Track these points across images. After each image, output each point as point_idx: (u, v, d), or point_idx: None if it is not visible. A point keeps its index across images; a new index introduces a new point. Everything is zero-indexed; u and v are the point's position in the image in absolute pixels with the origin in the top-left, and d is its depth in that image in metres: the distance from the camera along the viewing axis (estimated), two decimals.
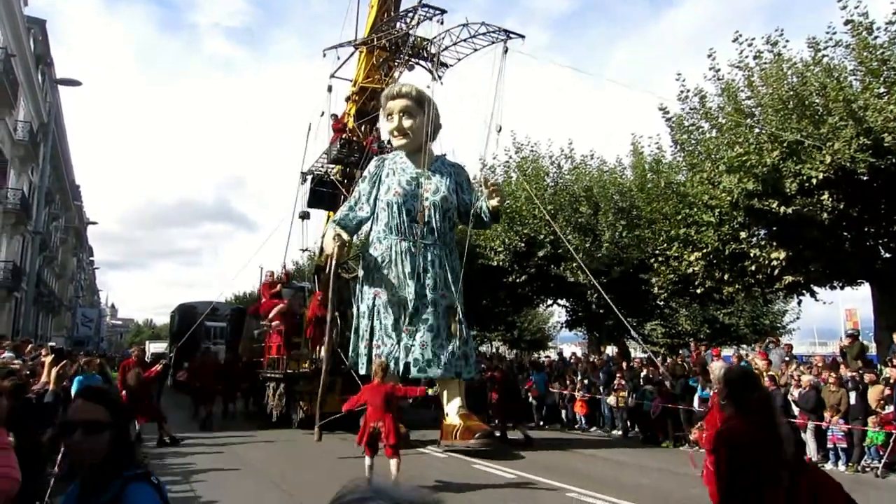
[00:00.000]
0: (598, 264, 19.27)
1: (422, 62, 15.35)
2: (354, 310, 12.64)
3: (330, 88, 16.59)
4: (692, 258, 14.67)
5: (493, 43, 13.82)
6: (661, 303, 21.28)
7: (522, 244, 19.76)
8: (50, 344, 17.13)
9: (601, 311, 20.71)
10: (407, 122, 12.56)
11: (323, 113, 16.57)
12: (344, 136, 16.22)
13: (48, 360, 9.78)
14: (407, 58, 15.04)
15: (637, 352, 31.80)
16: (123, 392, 13.14)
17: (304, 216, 17.17)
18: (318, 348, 14.03)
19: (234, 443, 12.41)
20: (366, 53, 16.06)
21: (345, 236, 11.94)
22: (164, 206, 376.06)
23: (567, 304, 24.08)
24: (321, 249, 16.36)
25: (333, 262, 11.72)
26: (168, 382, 22.07)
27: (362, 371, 11.84)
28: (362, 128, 16.67)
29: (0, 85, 21.33)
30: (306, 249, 17.82)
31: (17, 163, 27.45)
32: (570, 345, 50.95)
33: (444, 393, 11.80)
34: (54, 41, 31.47)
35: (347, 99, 16.99)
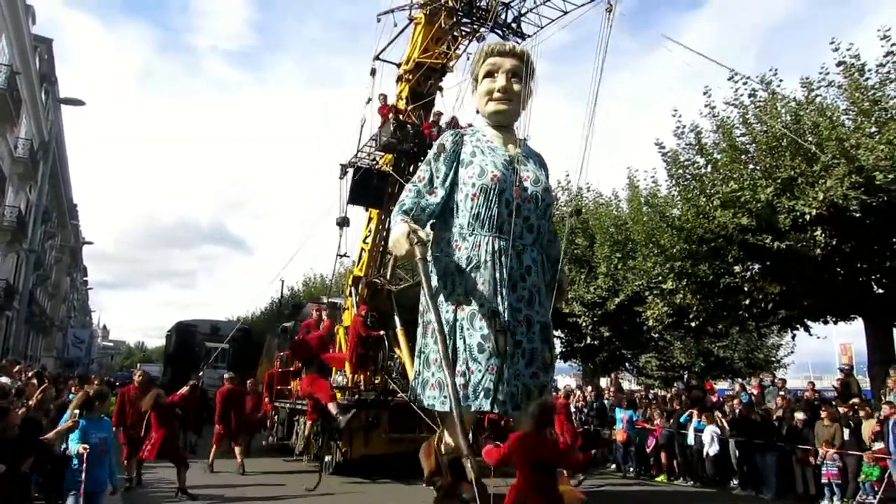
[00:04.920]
0: (594, 296, 19.35)
1: (497, 31, 13.19)
2: (420, 328, 9.06)
3: (373, 72, 14.74)
4: (686, 291, 14.75)
5: (591, 1, 11.19)
6: (656, 335, 21.33)
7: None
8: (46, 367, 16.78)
9: (595, 342, 20.72)
10: (516, 86, 9.52)
11: (369, 100, 14.56)
12: (394, 119, 14.00)
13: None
14: (482, 23, 12.84)
15: (632, 384, 31.79)
16: (119, 426, 10.24)
17: (343, 223, 14.45)
18: (359, 376, 12.42)
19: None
20: (424, 24, 13.74)
21: (423, 235, 8.31)
22: (161, 227, 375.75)
23: (561, 336, 24.07)
24: (360, 257, 14.42)
25: (421, 266, 7.98)
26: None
27: (440, 408, 8.38)
28: (415, 112, 14.25)
29: (3, 101, 21.53)
30: (345, 255, 14.88)
31: (15, 180, 27.55)
32: (564, 376, 50.80)
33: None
34: (57, 60, 31.72)
35: (399, 79, 14.73)
